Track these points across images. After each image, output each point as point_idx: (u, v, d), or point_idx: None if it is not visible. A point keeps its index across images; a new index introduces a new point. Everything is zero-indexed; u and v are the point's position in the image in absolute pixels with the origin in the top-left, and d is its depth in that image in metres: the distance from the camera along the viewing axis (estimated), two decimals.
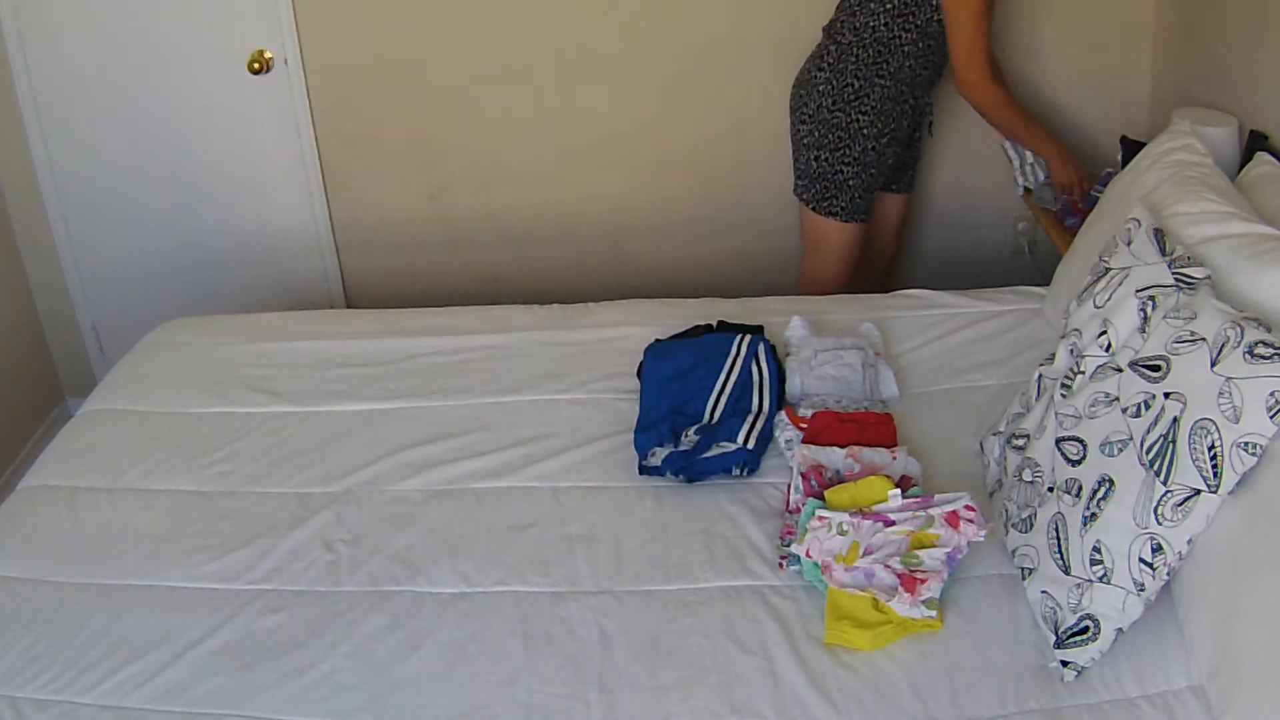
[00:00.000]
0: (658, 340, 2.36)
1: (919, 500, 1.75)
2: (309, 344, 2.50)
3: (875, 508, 1.76)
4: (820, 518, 1.74)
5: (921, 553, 1.70)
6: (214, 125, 3.11)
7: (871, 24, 2.60)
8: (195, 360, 2.47)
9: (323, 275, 3.30)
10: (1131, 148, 2.58)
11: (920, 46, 2.61)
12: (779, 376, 2.18)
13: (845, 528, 1.73)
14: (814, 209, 2.79)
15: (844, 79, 2.66)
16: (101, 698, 1.62)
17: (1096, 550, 1.56)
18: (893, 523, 1.73)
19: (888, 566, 1.69)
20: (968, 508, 1.72)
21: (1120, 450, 1.57)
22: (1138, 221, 1.86)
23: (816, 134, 2.72)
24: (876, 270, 3.10)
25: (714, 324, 2.41)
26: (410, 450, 2.12)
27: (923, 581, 1.66)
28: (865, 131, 2.68)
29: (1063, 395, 1.75)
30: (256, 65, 3.00)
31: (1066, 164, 2.72)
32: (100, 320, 3.34)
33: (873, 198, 2.81)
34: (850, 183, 2.73)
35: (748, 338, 2.23)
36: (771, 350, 2.23)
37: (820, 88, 2.69)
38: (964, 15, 2.50)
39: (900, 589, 1.66)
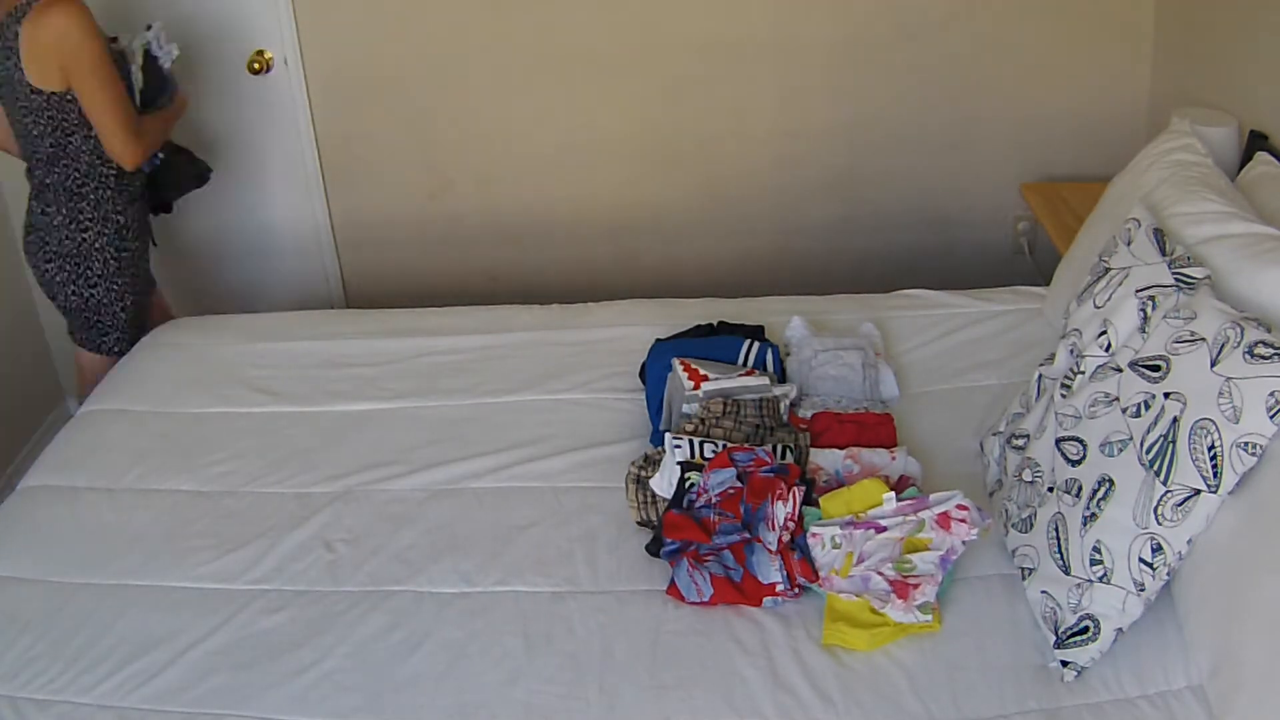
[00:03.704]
0: (659, 340, 2.36)
1: (913, 502, 1.75)
2: (309, 344, 2.50)
3: (870, 513, 1.76)
4: (814, 534, 1.74)
5: (914, 557, 1.70)
6: (214, 125, 3.11)
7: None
8: (195, 360, 2.47)
9: (323, 275, 3.30)
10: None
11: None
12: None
13: (838, 540, 1.73)
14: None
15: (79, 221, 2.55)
16: (101, 698, 1.62)
17: (1096, 550, 1.56)
18: (885, 529, 1.73)
19: (880, 573, 1.69)
20: (959, 507, 1.72)
21: (1120, 450, 1.57)
22: (1138, 221, 1.86)
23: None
24: None
25: (714, 324, 2.41)
26: (410, 450, 2.12)
27: (915, 586, 1.66)
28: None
29: (1063, 395, 1.75)
30: (256, 65, 3.00)
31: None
32: None
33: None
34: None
35: (755, 344, 2.23)
36: (779, 358, 2.23)
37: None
38: (104, 94, 2.37)
39: (893, 595, 1.65)
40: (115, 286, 2.60)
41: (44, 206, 2.53)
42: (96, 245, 2.55)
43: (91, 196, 2.52)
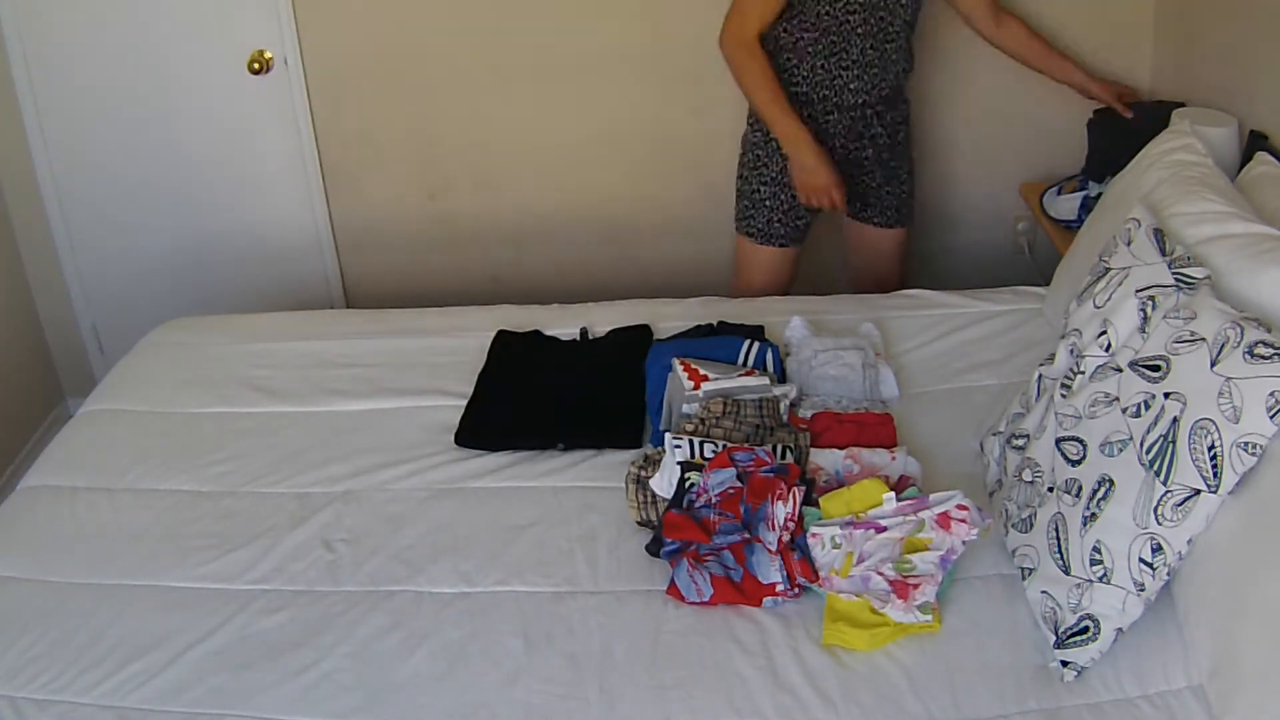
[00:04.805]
0: (659, 340, 2.36)
1: (913, 502, 1.75)
2: (309, 344, 2.50)
3: (870, 513, 1.76)
4: (814, 534, 1.74)
5: (914, 557, 1.70)
6: (214, 125, 3.11)
7: (774, 33, 2.50)
8: (195, 360, 2.47)
9: (323, 275, 3.30)
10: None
11: (818, 43, 2.46)
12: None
13: (838, 540, 1.73)
14: (737, 228, 2.74)
15: None
16: (101, 698, 1.62)
17: (1096, 550, 1.56)
18: (885, 529, 1.73)
19: (880, 573, 1.69)
20: (959, 507, 1.72)
21: (1120, 450, 1.57)
22: (1138, 221, 1.86)
23: (742, 153, 2.71)
24: None
25: (714, 324, 2.41)
26: (410, 450, 2.12)
27: (915, 586, 1.66)
28: (782, 150, 2.57)
29: (1063, 395, 1.75)
30: (256, 65, 3.00)
31: (805, 168, 2.49)
32: (100, 320, 3.34)
33: (801, 223, 2.67)
34: (767, 203, 2.65)
35: (755, 344, 2.23)
36: (779, 358, 2.23)
37: (749, 109, 2.65)
38: None
39: (893, 595, 1.65)
40: (763, 184, 2.66)
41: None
42: (765, 136, 2.62)
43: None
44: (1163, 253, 1.76)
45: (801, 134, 2.48)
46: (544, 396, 2.22)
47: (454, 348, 2.45)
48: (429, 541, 1.90)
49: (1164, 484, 1.51)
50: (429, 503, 1.99)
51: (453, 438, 2.14)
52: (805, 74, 2.52)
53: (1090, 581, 1.56)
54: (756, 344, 2.23)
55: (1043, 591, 1.62)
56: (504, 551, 1.86)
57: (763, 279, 2.75)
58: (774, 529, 1.74)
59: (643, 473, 1.92)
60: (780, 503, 1.75)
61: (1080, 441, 1.65)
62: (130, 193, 3.18)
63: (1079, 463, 1.64)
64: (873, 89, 2.53)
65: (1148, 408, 1.56)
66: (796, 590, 1.72)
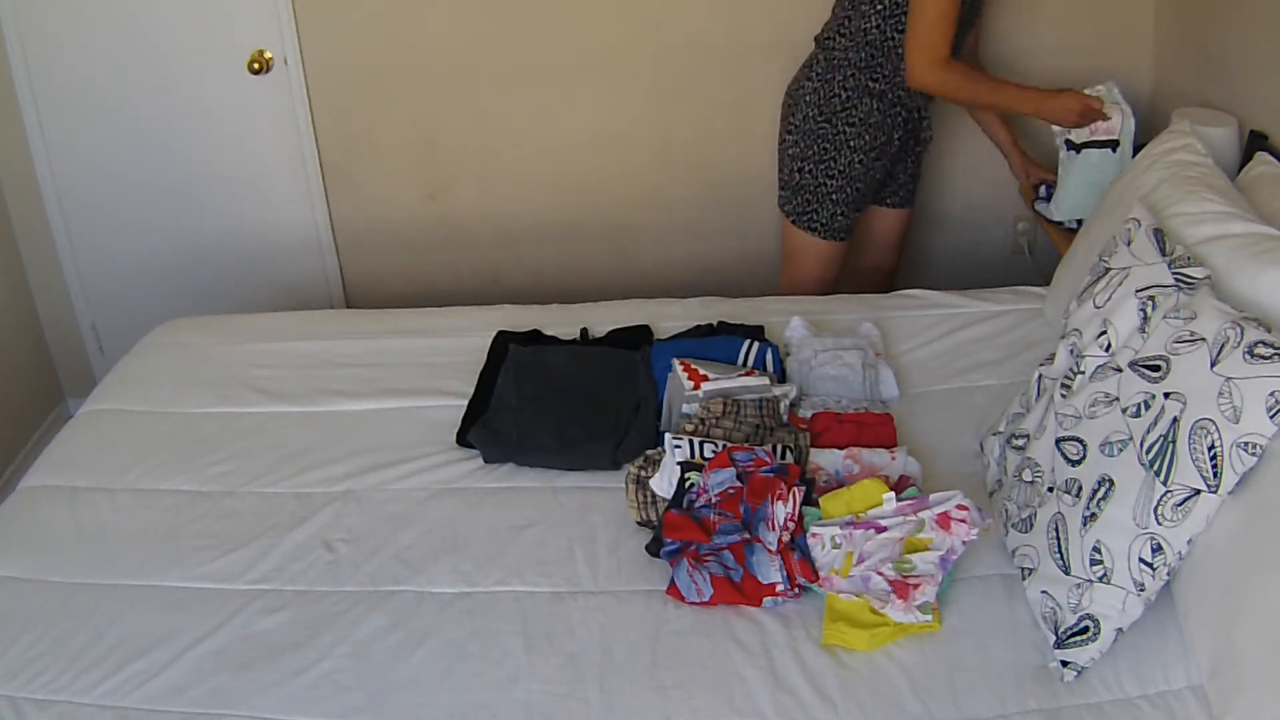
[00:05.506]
0: (659, 340, 2.36)
1: (913, 502, 1.75)
2: (309, 344, 2.50)
3: (870, 513, 1.75)
4: (814, 534, 1.74)
5: (914, 557, 1.70)
6: (214, 125, 3.11)
7: (864, 27, 2.52)
8: (195, 360, 2.47)
9: (323, 275, 3.30)
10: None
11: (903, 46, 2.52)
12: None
13: (838, 540, 1.73)
14: (794, 222, 2.73)
15: (831, 89, 2.60)
16: (101, 698, 1.62)
17: (1096, 550, 1.56)
18: (885, 529, 1.73)
19: (880, 573, 1.69)
20: (959, 507, 1.72)
21: (1120, 450, 1.57)
22: (1138, 221, 1.86)
23: (802, 145, 2.66)
24: (873, 284, 3.00)
25: (714, 324, 2.41)
26: (410, 450, 2.12)
27: (915, 586, 1.66)
28: (852, 144, 2.61)
29: (1063, 395, 1.75)
30: (256, 65, 3.00)
31: (1053, 111, 2.56)
32: (100, 320, 3.34)
33: (857, 214, 2.73)
34: (833, 196, 2.66)
35: (755, 344, 2.23)
36: (779, 358, 2.23)
37: (807, 98, 2.64)
38: (930, 9, 2.40)
39: (893, 595, 1.65)
40: (829, 178, 2.66)
41: (809, 67, 2.66)
42: (833, 129, 2.62)
43: (852, 76, 2.58)
44: (1163, 253, 1.76)
45: (1044, 92, 2.55)
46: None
47: (454, 348, 2.45)
48: (429, 541, 1.90)
49: (1164, 484, 1.51)
50: (429, 503, 1.99)
51: (453, 438, 2.14)
52: (888, 72, 2.57)
53: (1090, 581, 1.56)
54: (756, 344, 2.23)
55: (1043, 591, 1.62)
56: (504, 551, 1.86)
57: (818, 272, 2.78)
58: (774, 529, 1.74)
59: (643, 473, 1.92)
60: (780, 503, 1.75)
61: (1080, 441, 1.65)
62: (130, 193, 3.18)
63: (1079, 463, 1.64)
64: (928, 97, 2.64)
65: (1148, 408, 1.56)
66: (796, 590, 1.72)
